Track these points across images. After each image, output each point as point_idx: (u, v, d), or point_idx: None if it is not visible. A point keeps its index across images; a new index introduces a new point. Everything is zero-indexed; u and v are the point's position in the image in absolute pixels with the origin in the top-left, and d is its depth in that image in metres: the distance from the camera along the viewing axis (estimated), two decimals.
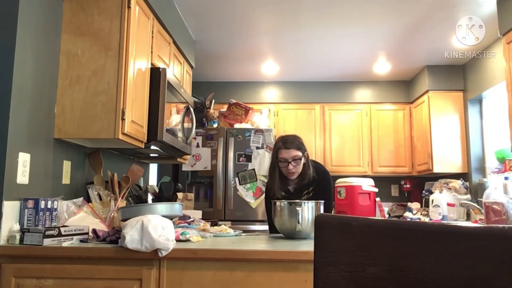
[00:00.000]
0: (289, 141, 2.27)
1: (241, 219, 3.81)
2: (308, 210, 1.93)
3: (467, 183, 4.17)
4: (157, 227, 1.60)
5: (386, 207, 4.70)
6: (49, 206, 1.80)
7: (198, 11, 3.28)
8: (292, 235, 1.97)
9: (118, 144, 2.27)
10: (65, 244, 1.68)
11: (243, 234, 2.22)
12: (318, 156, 4.80)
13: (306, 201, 1.97)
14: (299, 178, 2.30)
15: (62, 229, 1.69)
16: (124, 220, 1.74)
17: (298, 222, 1.89)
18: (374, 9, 3.21)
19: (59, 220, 1.86)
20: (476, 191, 4.04)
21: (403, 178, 4.89)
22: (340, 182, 4.58)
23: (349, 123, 4.85)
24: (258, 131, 3.98)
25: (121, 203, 2.23)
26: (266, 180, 3.86)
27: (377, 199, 4.45)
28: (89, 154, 2.36)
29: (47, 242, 1.63)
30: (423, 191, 4.52)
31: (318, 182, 2.32)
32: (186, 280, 1.61)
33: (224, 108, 4.39)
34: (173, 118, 2.67)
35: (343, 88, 4.97)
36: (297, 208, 1.91)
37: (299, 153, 2.24)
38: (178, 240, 1.76)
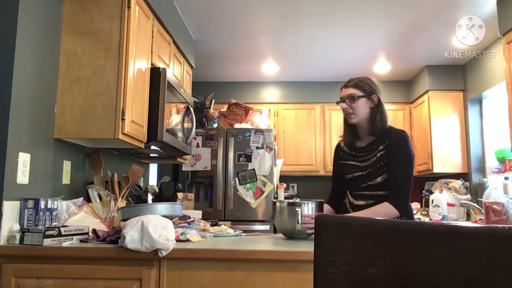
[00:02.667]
0: (351, 80, 2.03)
1: (241, 219, 3.80)
2: (308, 211, 1.91)
3: (467, 183, 4.17)
4: (157, 227, 1.60)
5: None
6: (49, 206, 1.80)
7: (198, 11, 3.28)
8: (292, 235, 1.95)
9: (118, 144, 2.27)
10: (65, 244, 1.68)
11: (243, 234, 2.22)
12: (318, 156, 4.80)
13: (306, 201, 1.93)
14: (369, 128, 1.99)
15: (62, 229, 1.69)
16: (124, 220, 1.74)
17: (298, 222, 1.88)
18: (374, 9, 3.21)
19: (59, 220, 1.86)
20: (476, 191, 4.04)
21: None
22: None
23: None
24: (258, 131, 3.98)
25: (121, 203, 2.23)
26: (266, 180, 3.88)
27: None
28: (89, 154, 2.36)
29: (47, 242, 1.63)
30: (423, 191, 4.52)
31: (391, 139, 1.96)
32: (186, 280, 1.61)
33: (224, 108, 4.39)
34: (173, 118, 2.67)
35: None
36: (297, 209, 1.88)
37: (356, 92, 1.97)
38: (178, 240, 1.76)
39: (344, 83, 2.05)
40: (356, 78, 2.03)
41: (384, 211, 1.86)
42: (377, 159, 1.96)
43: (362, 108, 1.97)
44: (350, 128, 2.07)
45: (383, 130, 1.97)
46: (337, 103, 2.05)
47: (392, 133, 1.98)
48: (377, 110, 1.98)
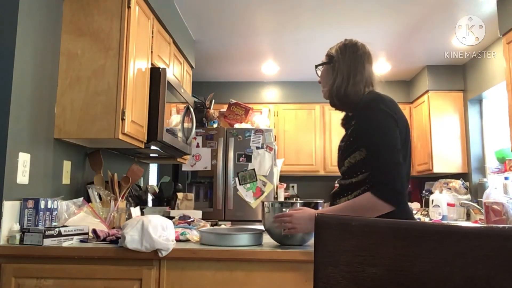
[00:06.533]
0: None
1: (241, 219, 3.80)
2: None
3: (467, 183, 4.17)
4: (157, 227, 1.60)
5: None
6: (49, 206, 1.80)
7: (198, 11, 3.28)
8: (281, 241, 1.69)
9: (118, 144, 2.27)
10: (65, 244, 1.68)
11: None
12: (318, 156, 4.80)
13: (298, 201, 1.67)
14: (340, 104, 1.62)
15: (62, 229, 1.69)
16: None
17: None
18: (374, 9, 3.21)
19: (59, 220, 1.86)
20: (476, 191, 4.04)
21: None
22: None
23: None
24: (258, 131, 3.98)
25: (121, 203, 2.24)
26: (266, 180, 3.88)
27: None
28: (89, 154, 2.36)
29: (47, 242, 1.63)
30: (423, 191, 4.52)
31: (357, 109, 1.52)
32: (186, 280, 1.61)
33: (224, 108, 4.39)
34: (173, 118, 2.67)
35: None
36: (283, 210, 1.63)
37: (323, 59, 1.67)
38: (178, 240, 1.76)
39: None
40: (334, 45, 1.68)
41: (360, 204, 1.36)
42: (347, 138, 1.56)
43: (324, 77, 1.66)
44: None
45: (357, 103, 1.51)
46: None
47: (360, 105, 1.50)
48: (337, 75, 1.56)
